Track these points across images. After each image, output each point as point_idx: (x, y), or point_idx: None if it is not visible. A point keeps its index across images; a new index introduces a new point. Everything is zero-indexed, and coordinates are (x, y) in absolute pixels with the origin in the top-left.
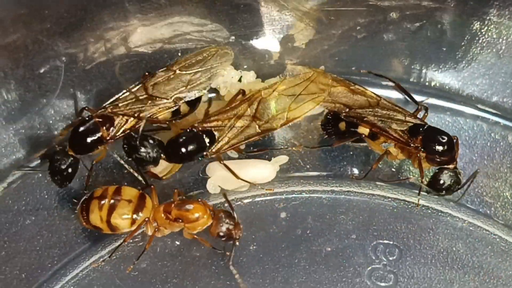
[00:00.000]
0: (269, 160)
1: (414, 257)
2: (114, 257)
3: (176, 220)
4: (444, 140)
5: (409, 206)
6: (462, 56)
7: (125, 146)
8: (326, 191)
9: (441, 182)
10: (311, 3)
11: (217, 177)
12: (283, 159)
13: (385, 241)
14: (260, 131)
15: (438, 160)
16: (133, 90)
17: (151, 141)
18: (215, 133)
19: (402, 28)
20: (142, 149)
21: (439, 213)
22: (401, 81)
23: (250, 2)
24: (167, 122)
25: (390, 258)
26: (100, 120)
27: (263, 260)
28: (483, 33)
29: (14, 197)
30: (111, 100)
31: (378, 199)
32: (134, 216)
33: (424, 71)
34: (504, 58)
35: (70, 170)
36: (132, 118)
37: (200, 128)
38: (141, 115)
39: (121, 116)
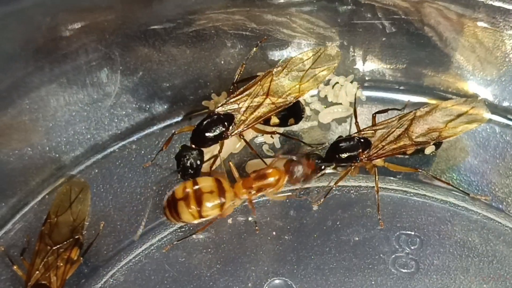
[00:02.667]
0: None
1: (434, 247)
2: (164, 244)
3: (259, 190)
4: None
5: (429, 200)
6: (477, 65)
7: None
8: (354, 186)
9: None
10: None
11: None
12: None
13: (408, 232)
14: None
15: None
16: (249, 90)
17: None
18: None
19: (422, 38)
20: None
21: (456, 207)
22: (421, 88)
23: (285, 19)
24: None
25: (412, 247)
26: (222, 117)
27: (297, 249)
28: (497, 45)
29: None
30: (230, 98)
31: (401, 194)
32: (221, 201)
33: (442, 77)
34: None
35: (198, 161)
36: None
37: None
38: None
39: (240, 114)
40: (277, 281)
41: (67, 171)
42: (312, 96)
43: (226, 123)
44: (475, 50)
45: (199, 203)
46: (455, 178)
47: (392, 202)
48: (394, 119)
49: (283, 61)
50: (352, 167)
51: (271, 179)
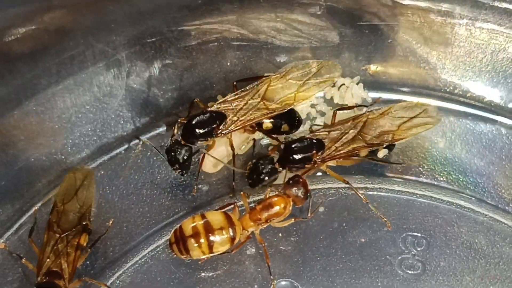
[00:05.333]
0: None
1: (440, 248)
2: None
3: (267, 221)
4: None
5: (436, 202)
6: (483, 67)
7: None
8: (360, 188)
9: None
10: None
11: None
12: None
13: (414, 233)
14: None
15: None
16: (246, 92)
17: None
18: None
19: (431, 42)
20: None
21: (463, 208)
22: (427, 89)
23: (289, 22)
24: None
25: (419, 249)
26: (214, 114)
27: (304, 250)
28: (504, 47)
29: None
30: (227, 97)
31: (407, 195)
32: (231, 236)
33: (449, 80)
34: None
35: (185, 157)
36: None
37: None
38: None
39: (232, 114)
40: (283, 283)
41: None
42: (318, 98)
43: (217, 121)
44: (481, 54)
45: (210, 241)
46: (461, 180)
47: (398, 203)
48: (347, 120)
49: (283, 68)
50: (306, 169)
51: (277, 208)
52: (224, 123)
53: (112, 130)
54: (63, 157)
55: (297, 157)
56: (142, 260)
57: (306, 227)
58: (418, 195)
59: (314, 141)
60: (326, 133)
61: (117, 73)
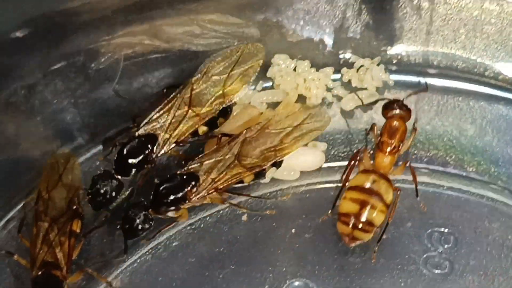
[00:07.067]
0: None
1: (470, 245)
2: (172, 243)
3: (400, 141)
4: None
5: (465, 195)
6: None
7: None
8: None
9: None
10: None
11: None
12: (322, 145)
13: (441, 229)
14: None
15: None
16: (170, 104)
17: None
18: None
19: (458, 18)
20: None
21: (495, 202)
22: (455, 71)
23: None
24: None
25: (446, 246)
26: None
27: (319, 248)
28: None
29: None
30: (152, 115)
31: (433, 187)
32: (387, 182)
33: (479, 60)
34: None
35: (113, 194)
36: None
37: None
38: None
39: (163, 133)
40: (296, 283)
41: None
42: (334, 80)
43: (149, 145)
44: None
45: (378, 196)
46: (492, 170)
47: (423, 196)
48: (223, 145)
49: (202, 66)
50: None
51: (402, 127)
52: (156, 145)
53: (108, 114)
54: (53, 146)
55: (169, 199)
56: (142, 258)
57: (320, 222)
58: (445, 187)
59: (185, 176)
60: (199, 164)
61: (113, 55)
